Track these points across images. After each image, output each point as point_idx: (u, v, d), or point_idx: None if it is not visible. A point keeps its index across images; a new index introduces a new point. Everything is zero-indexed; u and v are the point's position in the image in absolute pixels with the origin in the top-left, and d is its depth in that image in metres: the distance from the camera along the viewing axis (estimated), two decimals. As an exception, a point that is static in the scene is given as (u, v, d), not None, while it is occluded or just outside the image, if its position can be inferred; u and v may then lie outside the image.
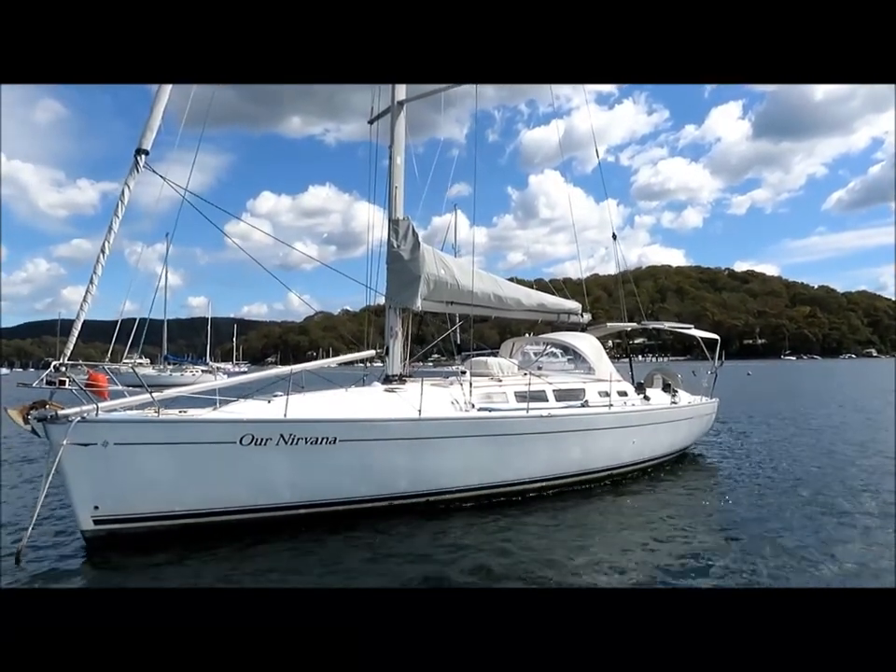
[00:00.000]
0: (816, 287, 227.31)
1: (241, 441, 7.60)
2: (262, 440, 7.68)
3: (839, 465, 12.86)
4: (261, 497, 7.92)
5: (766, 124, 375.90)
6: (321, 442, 7.99)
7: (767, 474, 12.08)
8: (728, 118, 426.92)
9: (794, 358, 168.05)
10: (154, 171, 8.02)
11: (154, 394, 7.79)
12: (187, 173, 8.93)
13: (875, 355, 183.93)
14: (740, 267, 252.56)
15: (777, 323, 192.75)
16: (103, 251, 7.58)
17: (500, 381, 11.18)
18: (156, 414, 7.61)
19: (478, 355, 13.77)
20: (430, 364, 20.03)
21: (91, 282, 7.55)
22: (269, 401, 8.65)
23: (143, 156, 7.79)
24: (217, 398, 8.48)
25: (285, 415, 7.90)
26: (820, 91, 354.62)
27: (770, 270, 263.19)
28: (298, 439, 7.85)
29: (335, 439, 8.04)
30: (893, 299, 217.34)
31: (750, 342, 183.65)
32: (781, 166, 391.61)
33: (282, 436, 7.78)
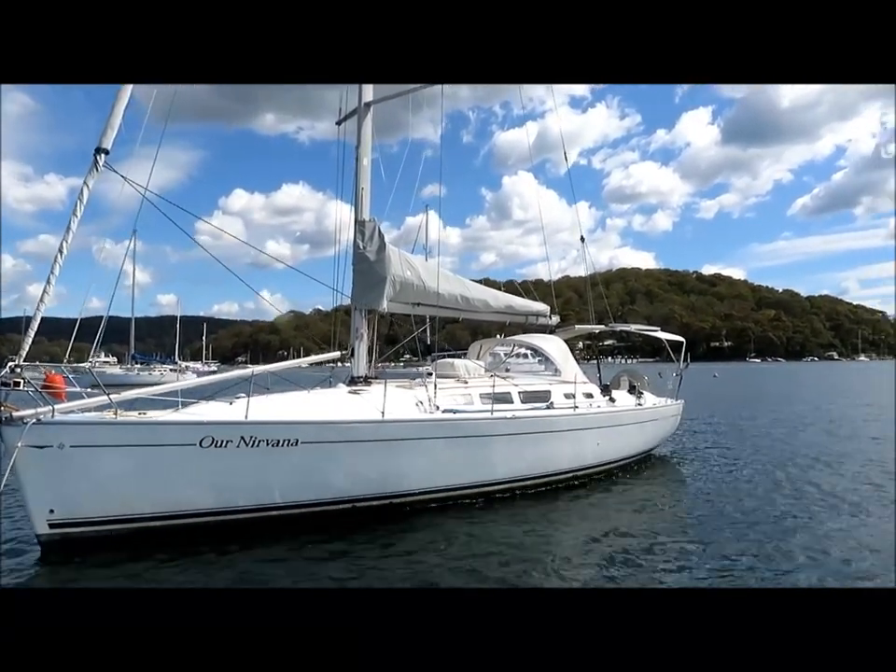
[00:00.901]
0: (781, 290, 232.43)
1: (200, 444, 7.52)
2: (222, 442, 7.62)
3: (800, 466, 13.18)
4: (222, 501, 7.85)
5: (735, 130, 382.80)
6: (282, 445, 7.94)
7: (730, 474, 12.34)
8: (698, 123, 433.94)
9: (759, 361, 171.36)
10: (114, 170, 7.91)
11: (112, 395, 7.68)
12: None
13: (836, 358, 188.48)
14: (708, 270, 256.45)
15: (742, 326, 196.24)
16: (60, 251, 7.47)
17: (466, 382, 11.23)
18: (114, 416, 7.51)
19: (447, 356, 13.81)
20: (401, 365, 20.03)
21: (49, 282, 7.43)
22: (231, 403, 8.58)
23: (103, 155, 7.68)
24: (180, 399, 8.39)
25: (245, 417, 7.85)
26: (787, 99, 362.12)
27: (737, 273, 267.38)
28: (259, 441, 7.80)
29: (297, 441, 8.00)
30: (854, 304, 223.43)
31: (717, 344, 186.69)
32: (749, 171, 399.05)
33: (242, 438, 7.72)
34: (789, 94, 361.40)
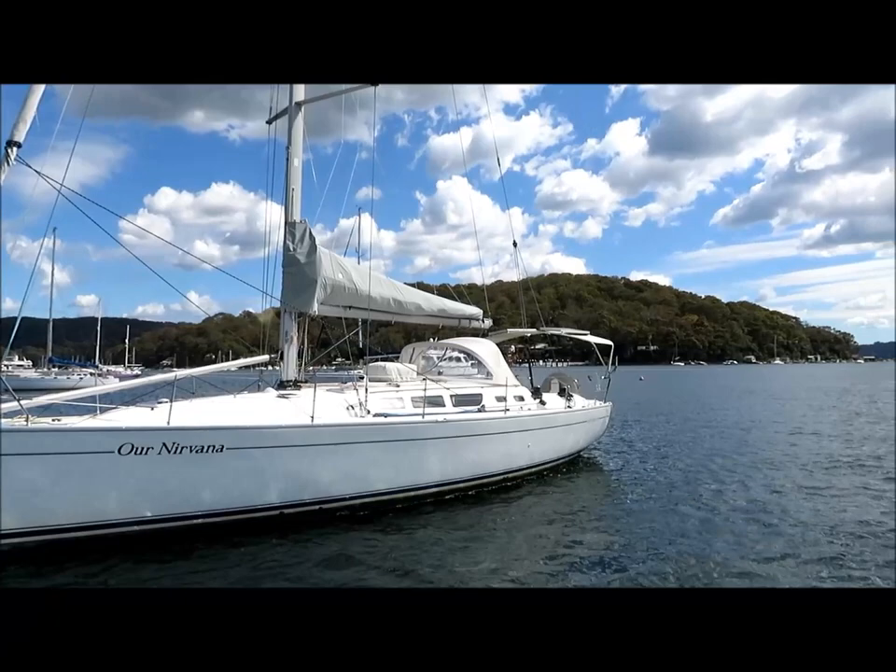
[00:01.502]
0: (703, 297, 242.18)
1: (119, 451, 7.21)
2: (143, 449, 7.33)
3: (717, 465, 13.72)
4: (143, 510, 7.54)
5: (661, 141, 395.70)
6: (207, 451, 7.70)
7: (655, 474, 12.75)
8: (627, 133, 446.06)
9: (683, 364, 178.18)
10: (27, 164, 7.51)
11: (24, 401, 7.27)
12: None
13: (754, 361, 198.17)
14: (635, 276, 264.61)
15: (667, 330, 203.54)
16: (-34, 248, 7.04)
17: (398, 386, 11.18)
18: (25, 423, 7.11)
19: (379, 359, 13.73)
20: (332, 368, 19.79)
21: (-48, 281, 7.00)
22: (152, 408, 8.27)
23: (14, 148, 7.28)
24: (98, 405, 8.03)
25: (168, 423, 7.58)
26: (710, 113, 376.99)
27: (662, 280, 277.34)
28: (181, 447, 7.54)
29: (222, 447, 7.78)
30: (771, 310, 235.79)
31: (643, 348, 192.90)
32: (674, 182, 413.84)
33: (164, 444, 7.45)
34: (711, 109, 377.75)
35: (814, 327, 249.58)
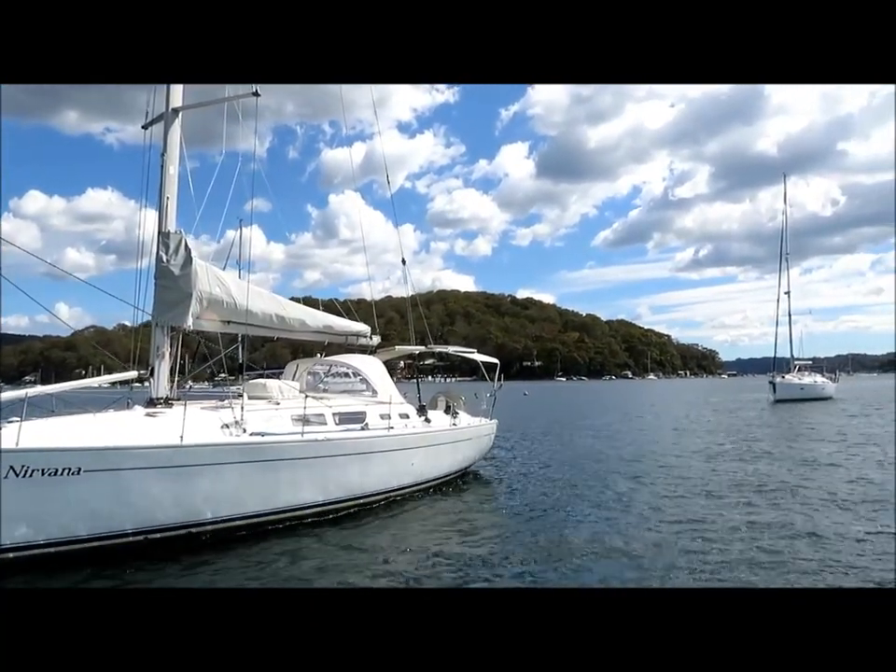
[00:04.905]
0: (584, 314, 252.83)
1: None
2: None
3: (595, 474, 14.31)
4: None
5: (547, 165, 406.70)
6: (62, 474, 7.14)
7: (538, 486, 13.26)
8: (516, 156, 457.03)
9: (565, 380, 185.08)
10: None
11: None
12: None
13: (630, 376, 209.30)
14: (522, 294, 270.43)
15: (551, 347, 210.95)
16: None
17: (278, 404, 10.86)
18: None
19: (265, 375, 13.30)
20: (210, 385, 18.99)
21: None
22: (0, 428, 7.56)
23: None
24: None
25: (17, 443, 6.96)
26: (592, 141, 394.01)
27: (547, 298, 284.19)
28: (32, 470, 6.95)
29: (79, 469, 7.24)
30: (646, 328, 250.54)
31: (528, 363, 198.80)
32: (559, 205, 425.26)
33: (12, 468, 6.84)
34: (594, 137, 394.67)
35: (684, 344, 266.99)
